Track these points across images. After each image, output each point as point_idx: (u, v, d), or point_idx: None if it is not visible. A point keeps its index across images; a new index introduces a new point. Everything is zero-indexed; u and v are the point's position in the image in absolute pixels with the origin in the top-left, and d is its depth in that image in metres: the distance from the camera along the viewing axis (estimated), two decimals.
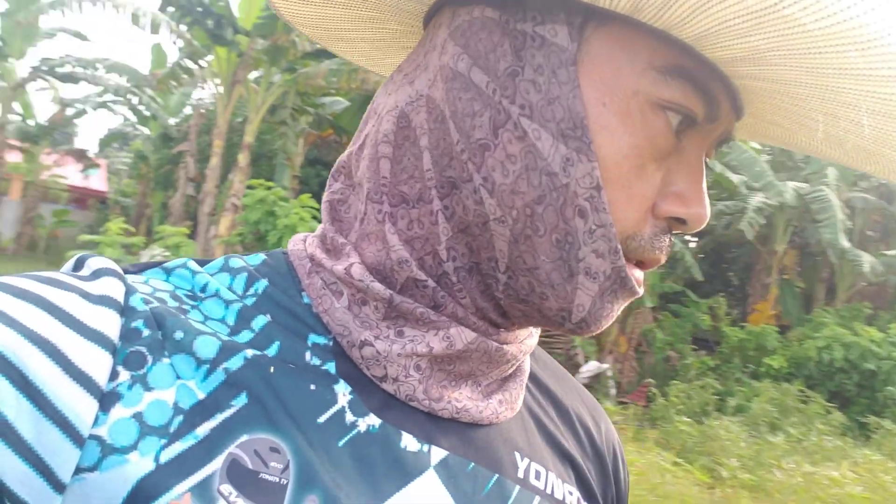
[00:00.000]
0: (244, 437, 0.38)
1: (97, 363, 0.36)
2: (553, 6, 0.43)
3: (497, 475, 0.46)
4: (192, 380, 0.40)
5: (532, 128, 0.42)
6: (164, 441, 0.37)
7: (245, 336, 0.43)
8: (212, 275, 0.47)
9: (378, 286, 0.44)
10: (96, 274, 0.41)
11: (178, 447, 0.37)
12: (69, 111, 14.13)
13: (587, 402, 0.61)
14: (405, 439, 0.43)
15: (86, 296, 0.39)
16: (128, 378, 0.38)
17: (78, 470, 0.35)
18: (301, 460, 0.39)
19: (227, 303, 0.45)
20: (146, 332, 0.40)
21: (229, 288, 0.46)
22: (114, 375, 0.37)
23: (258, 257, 0.50)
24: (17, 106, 13.62)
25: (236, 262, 0.48)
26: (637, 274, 0.45)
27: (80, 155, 15.77)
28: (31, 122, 13.31)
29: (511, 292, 0.45)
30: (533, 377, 0.56)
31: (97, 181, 19.85)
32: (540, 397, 0.56)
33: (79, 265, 0.43)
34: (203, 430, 0.38)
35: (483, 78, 0.43)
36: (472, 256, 0.45)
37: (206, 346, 0.41)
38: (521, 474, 0.48)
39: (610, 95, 0.42)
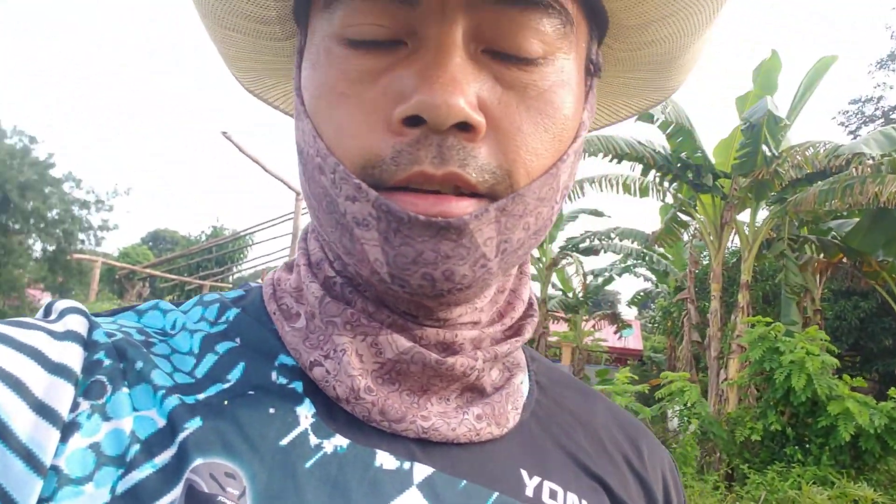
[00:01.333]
0: (199, 461, 0.37)
1: (59, 394, 0.37)
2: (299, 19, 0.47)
3: (497, 493, 0.43)
4: (152, 409, 0.39)
5: (295, 123, 0.46)
6: (121, 471, 0.36)
7: (209, 360, 0.44)
8: (185, 312, 0.48)
9: (314, 286, 0.46)
10: (62, 314, 0.43)
11: (136, 476, 0.36)
12: (599, 279, 16.21)
13: (623, 422, 0.57)
14: (380, 458, 0.41)
15: (50, 333, 0.40)
16: (87, 408, 0.38)
17: (41, 501, 0.34)
18: (259, 486, 0.37)
19: (193, 332, 0.46)
20: (107, 362, 0.40)
21: (199, 319, 0.47)
22: (75, 406, 0.37)
23: (237, 291, 0.52)
24: (556, 282, 16.39)
25: (210, 296, 0.50)
26: (420, 203, 0.39)
27: (614, 318, 17.60)
28: (568, 295, 15.74)
29: (360, 280, 0.45)
30: (548, 395, 0.54)
31: (633, 340, 21.68)
32: (559, 416, 0.52)
33: (47, 310, 0.45)
34: (162, 458, 0.37)
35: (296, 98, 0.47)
36: (336, 257, 0.47)
37: (163, 377, 0.41)
38: (530, 493, 0.44)
39: (308, 57, 0.44)
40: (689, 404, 7.34)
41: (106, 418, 0.38)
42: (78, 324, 0.41)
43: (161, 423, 0.39)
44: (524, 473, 0.45)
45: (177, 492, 0.36)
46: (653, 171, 9.09)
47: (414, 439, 0.43)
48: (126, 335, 0.43)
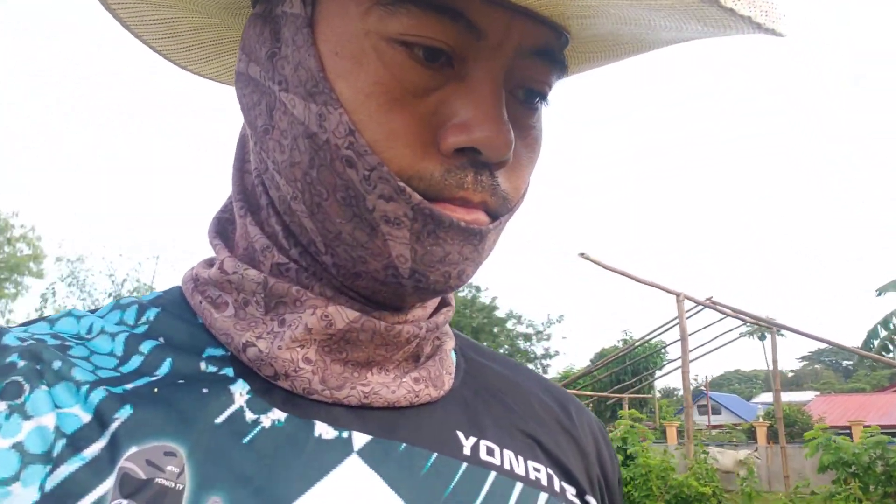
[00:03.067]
0: (133, 449, 0.37)
1: None
2: None
3: (436, 454, 0.44)
4: (75, 405, 0.39)
5: (288, 98, 0.43)
6: (48, 467, 0.36)
7: (135, 361, 0.43)
8: (101, 316, 0.47)
9: (252, 272, 0.45)
10: None
11: (64, 471, 0.36)
12: None
13: (552, 388, 0.61)
14: (319, 428, 0.42)
15: None
16: (5, 408, 0.37)
17: None
18: (197, 462, 0.38)
19: (114, 335, 0.45)
20: (21, 364, 0.39)
21: (118, 322, 0.47)
22: None
23: (154, 293, 0.51)
24: None
25: (127, 299, 0.49)
26: (458, 211, 0.42)
27: None
28: None
29: (343, 271, 0.44)
30: (470, 360, 0.57)
31: None
32: (488, 382, 0.55)
33: None
34: (91, 451, 0.37)
35: (256, 69, 0.46)
36: (300, 243, 0.46)
37: (85, 374, 0.41)
38: (467, 451, 0.46)
39: (341, 43, 0.42)
40: None
41: (26, 417, 0.37)
42: None
43: (86, 417, 0.38)
44: (460, 434, 0.47)
45: (109, 482, 0.36)
46: None
47: (354, 407, 0.44)
48: (39, 340, 0.42)
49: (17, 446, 0.36)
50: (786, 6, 0.38)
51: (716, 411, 41.42)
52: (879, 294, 10.27)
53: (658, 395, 27.46)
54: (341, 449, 0.42)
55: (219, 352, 0.45)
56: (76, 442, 0.37)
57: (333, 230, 0.43)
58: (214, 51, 0.57)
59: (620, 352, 19.44)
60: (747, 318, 12.37)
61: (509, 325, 29.78)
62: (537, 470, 0.49)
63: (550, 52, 0.44)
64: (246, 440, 0.40)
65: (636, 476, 7.34)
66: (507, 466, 0.47)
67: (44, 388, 0.39)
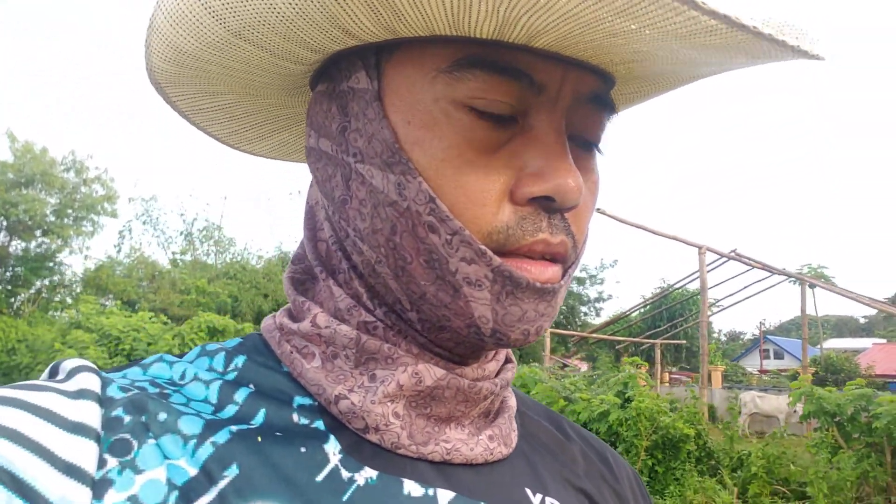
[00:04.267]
0: None
1: (83, 453, 0.37)
2: (352, 59, 0.47)
3: None
4: (182, 458, 0.40)
5: (366, 169, 0.45)
6: None
7: (230, 410, 0.44)
8: (190, 362, 0.49)
9: (344, 328, 0.47)
10: (71, 374, 0.43)
11: None
12: None
13: (590, 440, 0.63)
14: (407, 486, 0.44)
15: (63, 393, 0.40)
16: (116, 464, 0.38)
17: None
18: None
19: (208, 383, 0.46)
20: (127, 419, 0.41)
21: (208, 369, 0.48)
22: (102, 463, 0.38)
23: (235, 340, 0.52)
24: None
25: (212, 346, 0.51)
26: (534, 269, 0.44)
27: None
28: None
29: (428, 325, 0.47)
30: (524, 416, 0.59)
31: None
32: (538, 434, 0.57)
33: (54, 371, 0.45)
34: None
35: (327, 143, 0.48)
36: (385, 302, 0.48)
37: (191, 424, 0.42)
38: None
39: (412, 112, 0.43)
40: None
41: (138, 471, 0.38)
42: (90, 381, 0.42)
43: (193, 471, 0.40)
44: (529, 491, 0.49)
45: None
46: None
47: (435, 463, 0.46)
48: (141, 389, 0.44)
49: (132, 499, 0.37)
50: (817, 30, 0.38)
51: (779, 356, 40.98)
52: None
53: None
54: None
55: (307, 401, 0.46)
56: (187, 494, 0.38)
57: (418, 291, 0.45)
58: (269, 129, 0.59)
59: (649, 300, 19.68)
60: (774, 271, 12.47)
61: None
62: None
63: (601, 97, 0.46)
64: (345, 498, 0.41)
65: (629, 417, 7.90)
66: None
67: (151, 441, 0.40)
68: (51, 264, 24.84)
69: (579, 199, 0.43)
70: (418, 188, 0.43)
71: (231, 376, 0.48)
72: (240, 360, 0.49)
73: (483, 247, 0.42)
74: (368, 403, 0.45)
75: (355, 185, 0.46)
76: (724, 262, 12.42)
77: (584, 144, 0.48)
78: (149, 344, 13.18)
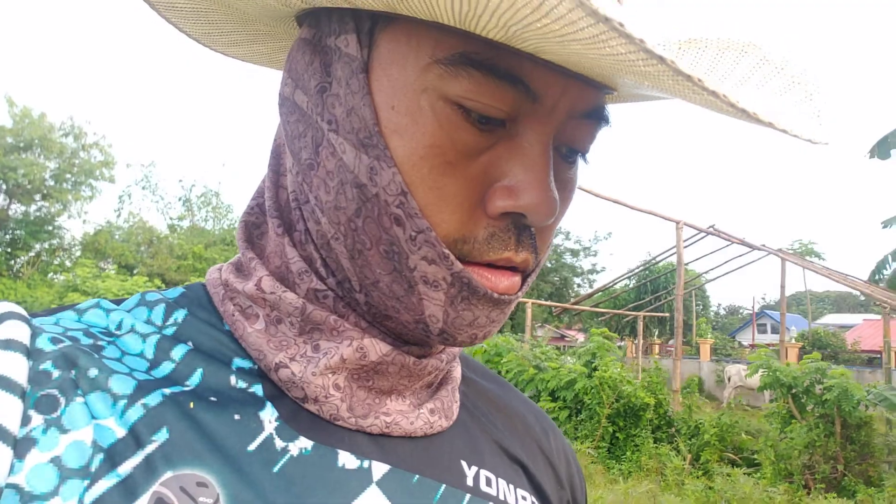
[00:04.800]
0: (168, 474, 0.37)
1: (6, 410, 0.35)
2: (345, 16, 0.43)
3: (444, 485, 0.46)
4: (111, 417, 0.38)
5: (338, 142, 0.42)
6: (86, 482, 0.36)
7: (166, 367, 0.43)
8: (128, 311, 0.47)
9: (290, 295, 0.45)
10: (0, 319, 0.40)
11: (102, 486, 0.36)
12: None
13: (533, 410, 0.62)
14: (342, 457, 0.43)
15: None
16: (41, 422, 0.36)
17: None
18: (232, 492, 0.38)
19: (144, 336, 0.44)
20: (56, 374, 0.39)
21: (147, 321, 0.46)
22: (26, 420, 0.36)
23: (177, 290, 0.50)
24: None
25: (153, 295, 0.48)
26: (493, 278, 0.43)
27: None
28: None
29: (374, 311, 0.45)
30: (471, 384, 0.58)
31: None
32: (481, 404, 0.57)
33: None
34: (125, 468, 0.37)
35: (303, 98, 0.45)
36: (335, 276, 0.46)
37: (123, 384, 0.40)
38: (470, 482, 0.48)
39: (398, 97, 0.41)
40: None
41: (63, 431, 0.37)
42: (18, 331, 0.40)
43: (121, 432, 0.38)
44: (464, 464, 0.49)
45: (142, 502, 0.36)
46: None
47: (373, 435, 0.46)
48: (74, 340, 0.42)
49: (55, 460, 0.36)
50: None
51: (776, 330, 41.34)
52: (885, 227, 10.31)
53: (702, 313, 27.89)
54: (362, 479, 0.43)
55: (247, 364, 0.45)
56: (112, 457, 0.37)
57: (372, 277, 0.43)
58: (245, 38, 0.55)
59: (630, 272, 19.91)
60: (752, 246, 12.65)
61: (557, 240, 30.36)
62: (523, 498, 0.52)
63: (598, 112, 0.44)
64: (276, 469, 0.40)
65: (594, 386, 8.19)
66: (501, 497, 0.50)
67: (79, 399, 0.38)
68: (50, 228, 25.14)
69: (550, 220, 0.42)
70: (391, 178, 0.41)
71: (170, 331, 0.46)
72: (180, 315, 0.47)
73: (446, 251, 0.41)
74: (309, 374, 0.44)
75: (325, 153, 0.43)
76: (703, 237, 12.60)
77: (570, 153, 0.45)
78: None
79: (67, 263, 25.25)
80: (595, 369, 8.59)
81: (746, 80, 0.46)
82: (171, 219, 31.17)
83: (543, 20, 0.32)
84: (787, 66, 0.46)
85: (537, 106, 0.41)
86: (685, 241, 11.85)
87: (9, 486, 0.34)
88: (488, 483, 0.50)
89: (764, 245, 12.89)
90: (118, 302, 0.48)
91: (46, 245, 25.61)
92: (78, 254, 25.50)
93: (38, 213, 24.67)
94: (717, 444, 8.00)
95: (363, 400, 0.46)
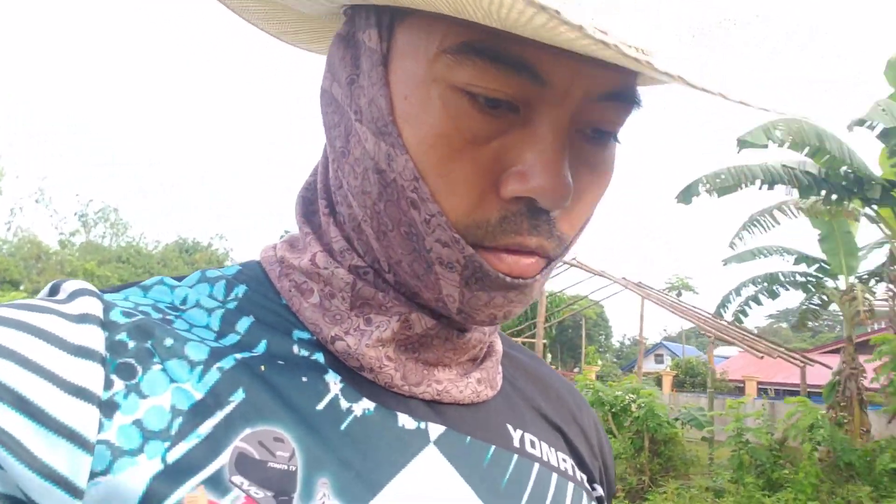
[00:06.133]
0: (247, 431, 0.40)
1: (89, 375, 0.38)
2: (370, 12, 0.45)
3: (494, 446, 0.50)
4: (188, 382, 0.41)
5: (362, 130, 0.44)
6: (167, 444, 0.38)
7: (232, 338, 0.46)
8: (190, 287, 0.49)
9: (341, 271, 0.48)
10: (72, 295, 0.43)
11: (183, 447, 0.39)
12: None
13: (566, 384, 0.65)
14: (402, 419, 0.46)
15: (65, 316, 0.41)
16: (122, 387, 0.39)
17: (92, 475, 0.36)
18: (305, 446, 0.41)
19: (209, 310, 0.47)
20: (132, 344, 0.41)
21: (210, 296, 0.49)
22: (108, 385, 0.39)
23: (234, 267, 0.53)
24: None
25: (213, 272, 0.51)
26: (509, 260, 0.43)
27: None
28: None
29: (402, 289, 0.48)
30: (508, 357, 0.61)
31: None
32: (519, 375, 0.60)
33: (54, 290, 0.46)
34: (205, 428, 0.40)
35: (338, 91, 0.47)
36: (367, 257, 0.48)
37: (197, 350, 0.43)
38: (517, 444, 0.52)
39: (411, 87, 0.42)
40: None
41: (143, 396, 0.39)
42: (92, 305, 0.42)
43: (199, 395, 0.41)
44: (510, 427, 0.53)
45: (224, 457, 0.39)
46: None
47: (427, 401, 0.49)
48: (145, 314, 0.45)
49: (137, 423, 0.39)
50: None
51: (672, 359, 43.42)
52: (725, 264, 11.43)
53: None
54: (421, 438, 0.46)
55: (306, 335, 0.48)
56: (192, 418, 0.40)
57: (395, 257, 0.46)
58: (312, 36, 0.57)
59: None
60: (613, 279, 13.71)
61: None
62: (564, 460, 0.55)
63: (621, 94, 0.43)
64: (343, 427, 0.43)
65: None
66: (545, 458, 0.53)
67: (157, 366, 0.41)
68: None
69: (563, 205, 0.42)
70: (405, 165, 0.42)
71: (232, 305, 0.48)
72: (240, 290, 0.49)
73: (457, 235, 0.42)
74: (363, 347, 0.46)
75: (353, 141, 0.45)
76: (566, 269, 13.55)
77: (597, 135, 0.45)
78: None
79: None
80: None
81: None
82: (61, 234, 30.06)
83: (501, 10, 0.33)
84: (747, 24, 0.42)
85: (547, 90, 0.41)
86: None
87: (100, 442, 0.37)
88: (532, 445, 0.53)
89: (625, 278, 13.97)
90: (179, 279, 0.51)
91: None
92: None
93: None
94: None
95: (414, 370, 0.48)
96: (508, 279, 0.43)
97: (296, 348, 0.47)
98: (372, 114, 0.44)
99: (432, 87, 0.42)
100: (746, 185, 8.25)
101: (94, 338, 0.40)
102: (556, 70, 0.40)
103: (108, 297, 0.46)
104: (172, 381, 0.41)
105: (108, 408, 0.38)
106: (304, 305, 0.48)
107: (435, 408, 0.49)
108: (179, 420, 0.40)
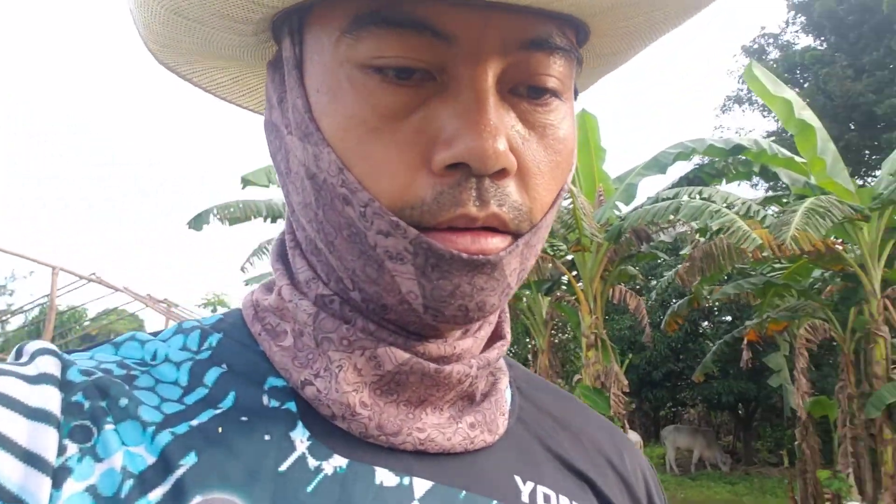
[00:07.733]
0: (197, 499, 0.37)
1: (43, 440, 0.36)
2: (283, 24, 0.45)
3: (495, 501, 0.44)
4: (140, 445, 0.39)
5: (292, 141, 0.43)
6: None
7: (199, 392, 0.43)
8: (164, 340, 0.48)
9: (305, 303, 0.45)
10: (33, 356, 0.42)
11: None
12: None
13: (605, 426, 0.59)
14: (380, 475, 0.41)
15: (23, 377, 0.39)
16: (76, 451, 0.37)
17: None
18: None
19: (178, 364, 0.45)
20: (87, 404, 0.39)
21: (182, 348, 0.47)
22: (62, 450, 0.37)
23: (216, 316, 0.51)
24: None
25: (189, 323, 0.49)
26: (460, 241, 0.40)
27: None
28: None
29: (372, 306, 0.44)
30: (530, 397, 0.55)
31: None
32: (542, 418, 0.53)
33: (18, 353, 0.44)
34: (155, 494, 0.37)
35: (276, 114, 0.46)
36: (332, 282, 0.45)
37: (152, 412, 0.41)
38: (525, 499, 0.45)
39: (321, 79, 0.41)
40: None
41: (97, 459, 0.37)
42: (50, 365, 0.41)
43: (151, 459, 0.38)
44: (518, 479, 0.46)
45: None
46: None
47: (411, 452, 0.43)
48: (105, 372, 0.43)
49: (90, 489, 0.36)
50: None
51: None
52: (247, 284, 12.34)
53: None
54: (403, 496, 0.41)
55: (280, 382, 0.45)
56: (142, 483, 0.37)
57: (350, 266, 0.42)
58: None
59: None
60: (136, 296, 13.59)
61: None
62: None
63: (545, 41, 0.41)
64: (310, 489, 0.39)
65: None
66: None
67: (109, 426, 0.39)
68: None
69: (498, 164, 0.39)
70: (329, 159, 0.40)
71: (204, 355, 0.46)
72: (214, 339, 0.47)
73: (396, 218, 0.39)
74: (333, 392, 0.42)
75: (291, 157, 0.44)
76: (86, 284, 12.93)
77: (535, 93, 0.42)
78: None
79: None
80: None
81: None
82: None
83: None
84: None
85: (457, 48, 0.39)
86: (65, 286, 12.00)
87: None
88: (546, 500, 0.46)
89: (149, 295, 13.95)
90: (155, 334, 0.49)
91: None
92: None
93: None
94: None
95: (394, 416, 0.43)
96: (465, 256, 0.40)
97: (266, 399, 0.43)
98: (295, 119, 0.43)
99: (339, 72, 0.40)
100: (255, 218, 9.35)
101: (50, 399, 0.38)
102: (458, 23, 0.39)
103: (72, 356, 0.44)
104: (124, 443, 0.39)
105: (60, 475, 0.36)
106: (274, 349, 0.46)
107: (421, 459, 0.44)
108: (130, 483, 0.37)
